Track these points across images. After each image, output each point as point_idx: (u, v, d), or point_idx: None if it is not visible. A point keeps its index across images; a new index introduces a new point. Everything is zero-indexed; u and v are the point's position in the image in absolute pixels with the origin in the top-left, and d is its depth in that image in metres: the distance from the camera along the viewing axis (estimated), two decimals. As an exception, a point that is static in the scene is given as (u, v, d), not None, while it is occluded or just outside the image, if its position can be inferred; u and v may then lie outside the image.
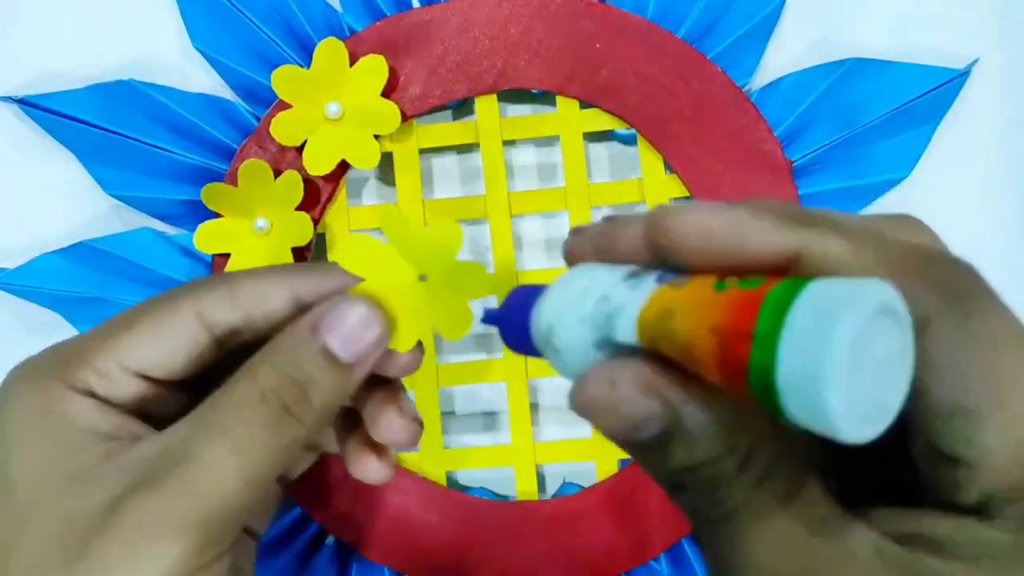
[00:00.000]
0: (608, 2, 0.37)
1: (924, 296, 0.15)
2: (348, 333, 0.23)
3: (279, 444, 0.22)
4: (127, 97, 0.37)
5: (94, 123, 0.37)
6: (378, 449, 0.27)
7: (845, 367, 0.13)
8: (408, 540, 0.36)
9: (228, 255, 0.36)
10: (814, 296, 0.14)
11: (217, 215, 0.36)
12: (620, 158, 0.39)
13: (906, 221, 0.18)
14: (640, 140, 0.37)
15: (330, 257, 0.38)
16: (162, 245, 0.37)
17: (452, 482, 0.38)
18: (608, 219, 0.19)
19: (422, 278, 0.24)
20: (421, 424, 0.26)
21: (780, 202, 0.17)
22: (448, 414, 0.39)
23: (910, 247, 0.16)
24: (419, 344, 0.25)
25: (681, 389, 0.16)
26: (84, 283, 0.37)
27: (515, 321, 0.20)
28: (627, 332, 0.17)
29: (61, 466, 0.22)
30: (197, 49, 0.37)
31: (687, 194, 0.37)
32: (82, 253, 0.37)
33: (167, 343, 0.24)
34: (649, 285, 0.17)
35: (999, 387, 0.15)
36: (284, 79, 0.35)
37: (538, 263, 0.39)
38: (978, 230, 0.38)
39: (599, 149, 0.40)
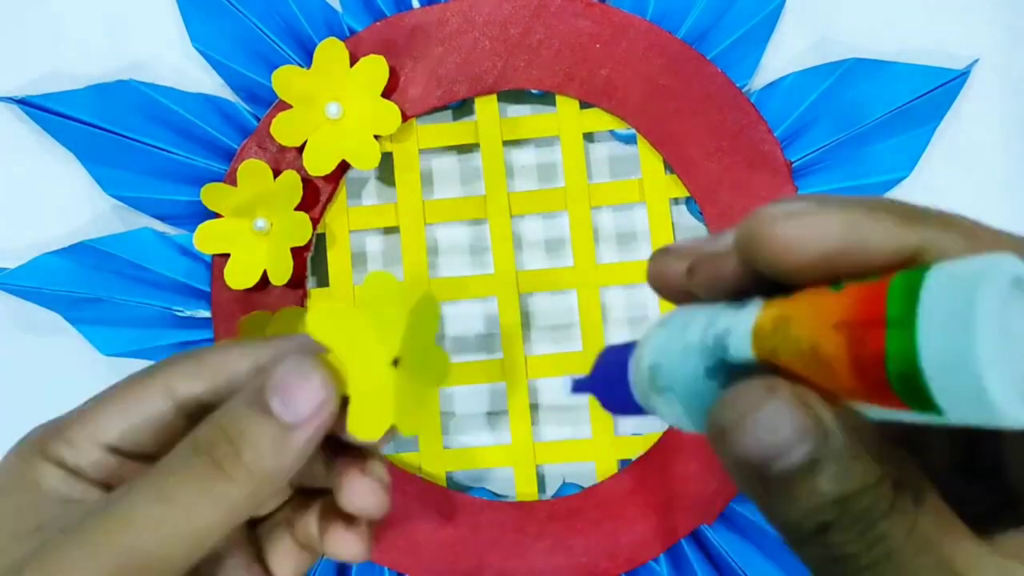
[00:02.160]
0: (608, 2, 0.37)
1: None
2: (291, 392, 0.22)
3: (208, 498, 0.21)
4: (127, 97, 0.37)
5: (94, 123, 0.37)
6: (348, 520, 0.25)
7: (995, 340, 0.12)
8: (408, 540, 0.36)
9: (228, 255, 0.36)
10: (944, 273, 0.13)
11: (217, 215, 0.36)
12: (620, 158, 0.39)
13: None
14: (640, 140, 0.37)
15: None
16: (162, 245, 0.37)
17: (452, 482, 0.38)
18: (696, 240, 0.18)
19: (395, 363, 0.23)
20: (387, 489, 0.25)
21: (887, 200, 0.16)
22: (448, 414, 0.39)
23: None
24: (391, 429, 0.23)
25: (829, 406, 0.15)
26: (84, 283, 0.37)
27: (611, 379, 0.19)
28: (742, 349, 0.16)
29: (18, 523, 0.22)
30: (197, 49, 0.37)
31: (687, 194, 0.37)
32: (82, 253, 0.37)
33: (135, 417, 0.24)
34: (757, 304, 0.16)
35: None
36: (284, 79, 0.35)
37: (538, 263, 0.39)
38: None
39: (599, 149, 0.40)
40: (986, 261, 0.13)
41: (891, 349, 0.13)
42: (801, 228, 0.15)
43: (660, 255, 0.18)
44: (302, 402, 0.22)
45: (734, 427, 0.15)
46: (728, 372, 0.16)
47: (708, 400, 0.16)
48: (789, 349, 0.15)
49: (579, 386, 0.21)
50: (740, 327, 0.16)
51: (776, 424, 0.14)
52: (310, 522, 0.27)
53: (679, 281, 0.18)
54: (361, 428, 0.22)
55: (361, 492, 0.24)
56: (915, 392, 0.13)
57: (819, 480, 0.14)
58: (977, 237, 0.15)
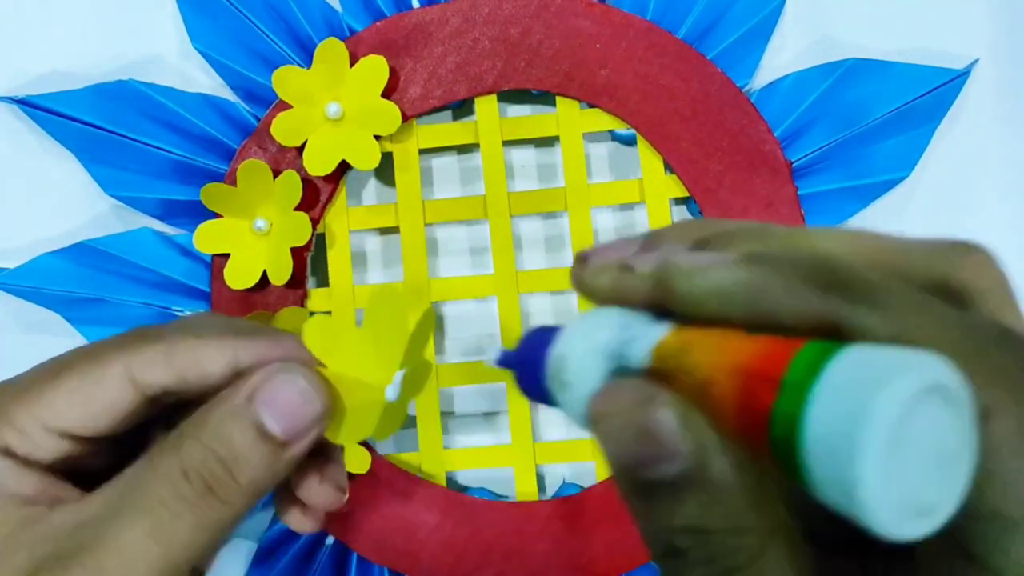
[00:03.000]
0: (608, 2, 0.37)
1: (986, 385, 0.13)
2: (285, 407, 0.21)
3: (202, 527, 0.21)
4: (127, 97, 0.37)
5: (94, 123, 0.37)
6: (303, 503, 0.25)
7: (885, 442, 0.11)
8: (407, 540, 0.36)
9: (228, 255, 0.36)
10: (859, 356, 0.12)
11: (216, 215, 0.36)
12: (620, 158, 0.39)
13: (967, 255, 0.16)
14: (640, 140, 0.37)
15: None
16: (162, 245, 0.37)
17: (452, 482, 0.38)
18: (619, 263, 0.17)
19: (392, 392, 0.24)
20: (344, 491, 0.25)
21: (810, 254, 0.15)
22: (448, 414, 0.39)
23: (969, 325, 0.14)
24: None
25: (718, 436, 0.14)
26: (84, 283, 0.37)
27: (531, 362, 0.18)
28: (642, 360, 0.16)
29: None
30: (197, 49, 0.37)
31: (687, 194, 0.37)
32: (82, 253, 0.37)
33: (92, 402, 0.22)
34: (670, 326, 0.16)
35: None
36: (284, 79, 0.35)
37: (538, 263, 0.39)
38: (978, 230, 0.38)
39: (599, 149, 0.40)
40: (903, 361, 0.12)
41: (779, 412, 0.12)
42: (708, 289, 0.15)
43: (580, 264, 0.18)
44: (297, 419, 0.21)
45: (610, 421, 0.14)
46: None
47: (594, 382, 0.16)
48: (684, 374, 0.14)
49: (503, 360, 0.20)
50: (646, 339, 0.16)
51: (650, 433, 0.14)
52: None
53: (606, 293, 0.17)
54: (341, 437, 0.22)
55: (317, 493, 0.24)
56: (793, 464, 0.12)
57: (683, 502, 0.14)
58: (904, 321, 0.14)
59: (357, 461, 0.36)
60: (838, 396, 0.12)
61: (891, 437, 0.11)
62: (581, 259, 0.18)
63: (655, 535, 0.14)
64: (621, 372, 0.16)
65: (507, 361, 0.20)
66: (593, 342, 0.17)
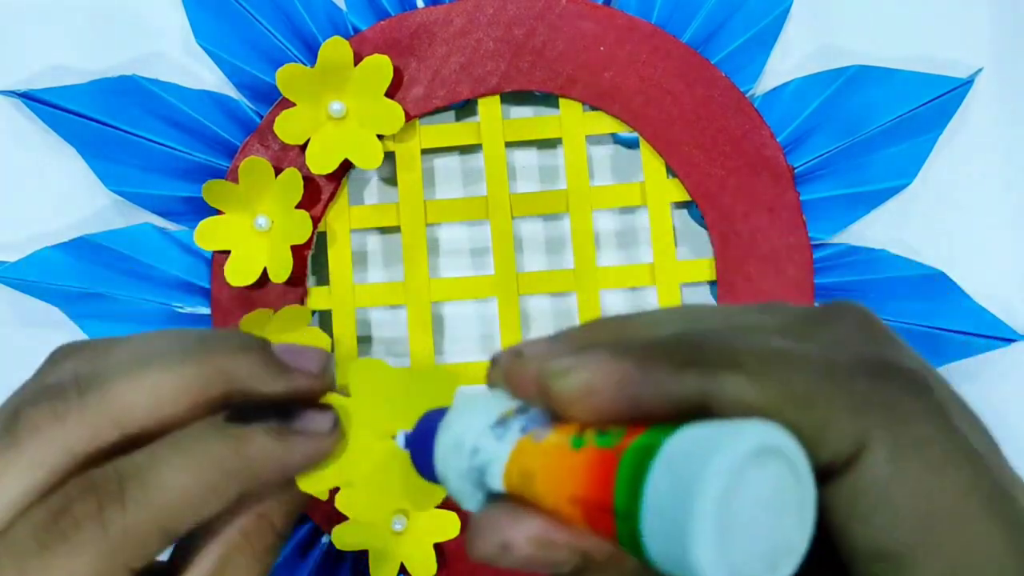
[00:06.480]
0: (613, 5, 0.37)
1: (857, 419, 0.13)
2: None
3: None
4: (130, 93, 0.37)
5: (97, 118, 0.37)
6: None
7: (713, 530, 0.12)
8: (404, 540, 0.36)
9: (228, 252, 0.36)
10: (671, 457, 0.13)
11: (218, 212, 0.36)
12: (622, 161, 0.39)
13: (836, 314, 0.16)
14: (642, 143, 0.37)
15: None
16: (163, 241, 0.37)
17: (449, 483, 0.38)
18: (516, 354, 0.17)
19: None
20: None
21: (678, 336, 0.16)
22: (446, 415, 0.39)
23: (829, 364, 0.14)
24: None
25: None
26: (84, 278, 0.37)
27: (423, 444, 0.19)
28: (499, 485, 0.17)
29: None
30: (201, 46, 0.37)
31: (688, 198, 0.37)
32: (82, 248, 0.37)
33: None
34: (514, 435, 0.17)
35: (933, 533, 0.13)
36: (288, 77, 0.35)
37: (538, 265, 0.39)
38: (979, 238, 0.38)
39: (601, 152, 0.40)
40: (718, 436, 0.13)
41: (621, 537, 0.13)
42: (572, 386, 0.15)
43: (514, 358, 0.18)
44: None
45: (499, 564, 0.16)
46: (499, 497, 0.17)
47: (476, 501, 0.18)
48: (536, 500, 0.16)
49: (407, 441, 0.21)
50: (495, 465, 0.17)
51: (533, 563, 0.15)
52: None
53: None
54: (309, 485, 0.22)
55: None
56: (651, 569, 0.13)
57: None
58: (765, 373, 0.14)
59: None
60: (662, 512, 0.12)
61: (716, 531, 0.12)
62: (495, 360, 0.18)
63: None
64: (483, 485, 0.17)
65: (408, 443, 0.21)
66: (458, 468, 0.18)
